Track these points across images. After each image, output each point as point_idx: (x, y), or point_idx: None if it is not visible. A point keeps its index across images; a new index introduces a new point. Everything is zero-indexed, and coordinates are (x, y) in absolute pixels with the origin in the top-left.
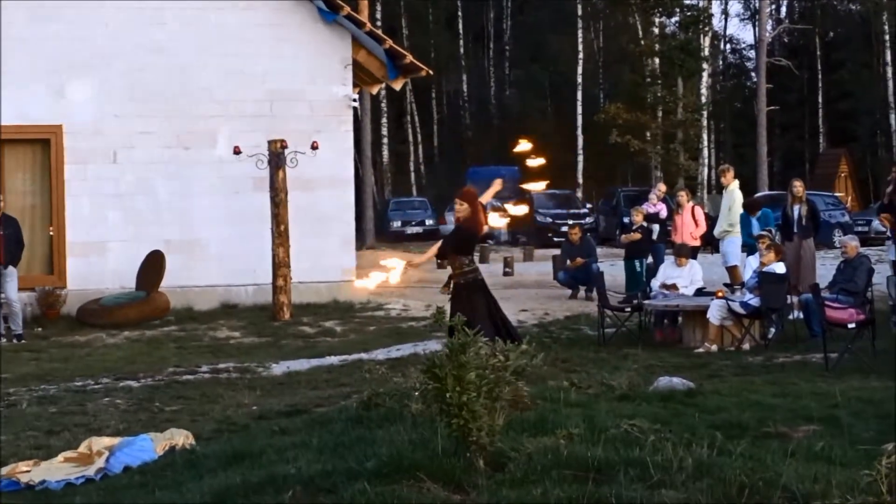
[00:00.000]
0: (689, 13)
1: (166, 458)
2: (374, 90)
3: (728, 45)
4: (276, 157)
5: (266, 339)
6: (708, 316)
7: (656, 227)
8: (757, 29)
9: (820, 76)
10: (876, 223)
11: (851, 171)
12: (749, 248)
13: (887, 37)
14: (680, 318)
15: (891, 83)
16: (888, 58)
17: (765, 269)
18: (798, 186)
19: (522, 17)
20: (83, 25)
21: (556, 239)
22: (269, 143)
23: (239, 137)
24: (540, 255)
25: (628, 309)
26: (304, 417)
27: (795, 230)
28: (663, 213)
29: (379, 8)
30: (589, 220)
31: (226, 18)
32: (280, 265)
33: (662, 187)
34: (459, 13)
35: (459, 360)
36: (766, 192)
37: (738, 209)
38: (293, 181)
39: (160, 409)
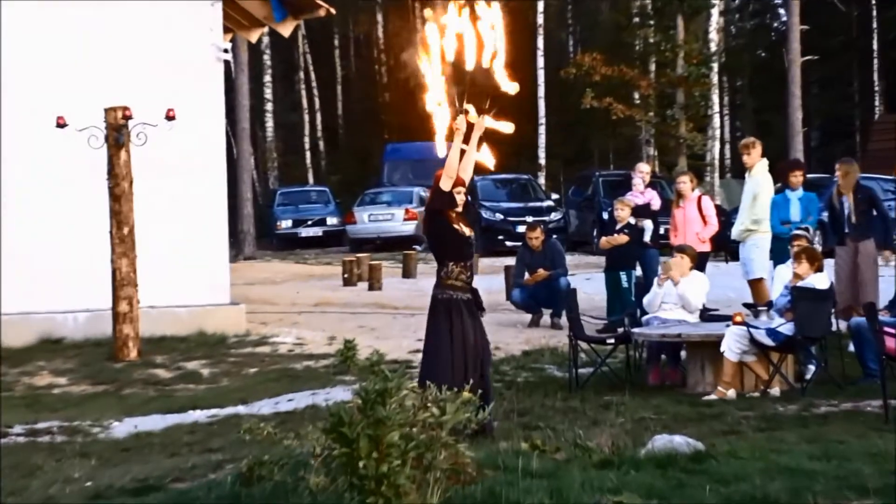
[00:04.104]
0: None
1: None
2: (254, 37)
3: None
4: (117, 131)
5: (104, 386)
6: (722, 349)
7: (648, 225)
8: None
9: (874, 13)
10: None
11: None
12: (781, 247)
13: None
14: (683, 353)
15: None
16: None
17: (800, 283)
18: (847, 168)
19: None
20: None
21: (509, 244)
22: (106, 111)
23: (63, 104)
24: (487, 265)
25: (611, 341)
26: (157, 497)
27: (847, 230)
28: (655, 205)
29: None
30: (555, 216)
31: None
32: (123, 283)
33: (645, 168)
34: None
35: (377, 414)
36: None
37: (767, 200)
38: (141, 165)
39: None
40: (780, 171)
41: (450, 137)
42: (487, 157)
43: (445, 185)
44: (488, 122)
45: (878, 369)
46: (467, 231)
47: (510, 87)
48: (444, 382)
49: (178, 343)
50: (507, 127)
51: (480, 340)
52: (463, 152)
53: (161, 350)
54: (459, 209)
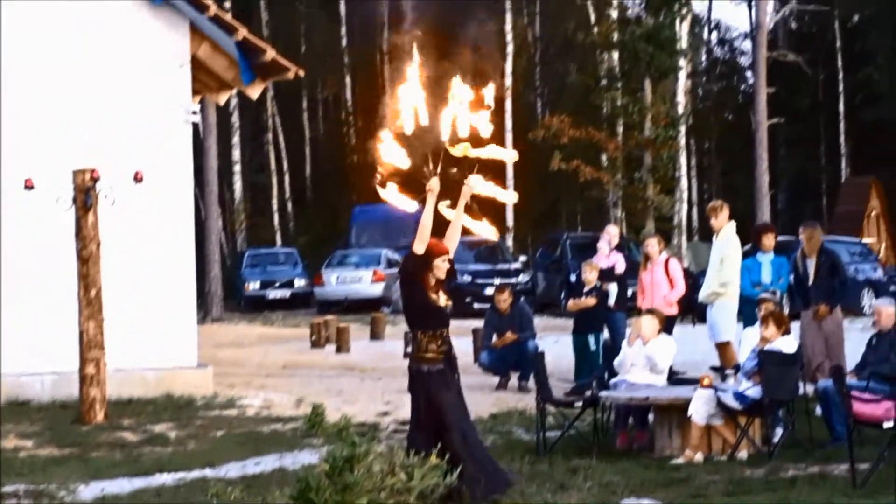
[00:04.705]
0: None
1: None
2: (222, 99)
3: (714, 34)
4: (84, 193)
5: (70, 449)
6: (690, 413)
7: (613, 289)
8: (754, 11)
9: (841, 76)
10: None
11: (885, 207)
12: (749, 310)
13: None
14: (651, 417)
15: None
16: None
17: (767, 346)
18: (811, 232)
19: None
20: None
21: (476, 306)
22: (74, 173)
23: (31, 166)
24: (455, 327)
25: (579, 404)
26: None
27: (811, 293)
28: (620, 268)
29: None
30: (523, 278)
31: None
32: (90, 346)
33: (613, 230)
34: None
35: (344, 479)
36: None
37: (734, 263)
38: (109, 227)
39: None
40: (753, 233)
41: (422, 199)
42: (487, 229)
43: (418, 248)
44: (484, 188)
45: (846, 433)
46: (443, 300)
47: (508, 156)
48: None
49: (145, 405)
50: (507, 196)
51: (452, 411)
52: (444, 219)
53: (128, 413)
54: (441, 277)
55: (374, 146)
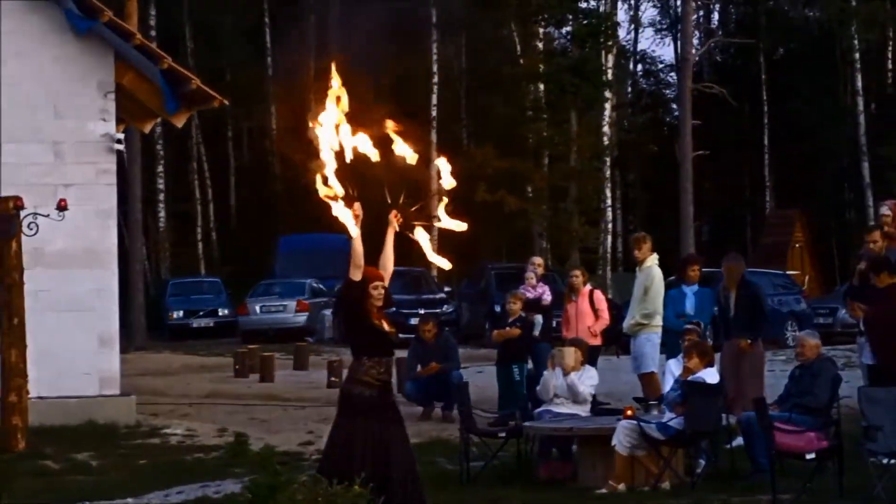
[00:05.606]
0: (585, 21)
1: None
2: (147, 127)
3: (640, 66)
4: (7, 221)
5: None
6: (613, 443)
7: (539, 319)
8: (679, 44)
9: (766, 108)
10: (843, 313)
11: (809, 239)
12: (673, 341)
13: (857, 54)
14: (574, 447)
15: (862, 118)
16: (858, 84)
17: (691, 377)
18: (730, 265)
19: (354, 24)
20: None
21: (401, 336)
22: None
23: None
24: None
25: (502, 434)
26: None
27: (731, 325)
28: (547, 299)
29: (153, 13)
30: (447, 308)
31: None
32: (13, 374)
33: (538, 261)
34: (266, 19)
35: None
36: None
37: (657, 294)
38: (31, 255)
39: None
40: (678, 265)
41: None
42: (441, 261)
43: (354, 274)
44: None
45: (769, 464)
46: (387, 327)
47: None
48: (338, 477)
49: (66, 434)
50: (457, 225)
51: (383, 439)
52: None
53: (50, 441)
54: (379, 304)
55: (309, 175)
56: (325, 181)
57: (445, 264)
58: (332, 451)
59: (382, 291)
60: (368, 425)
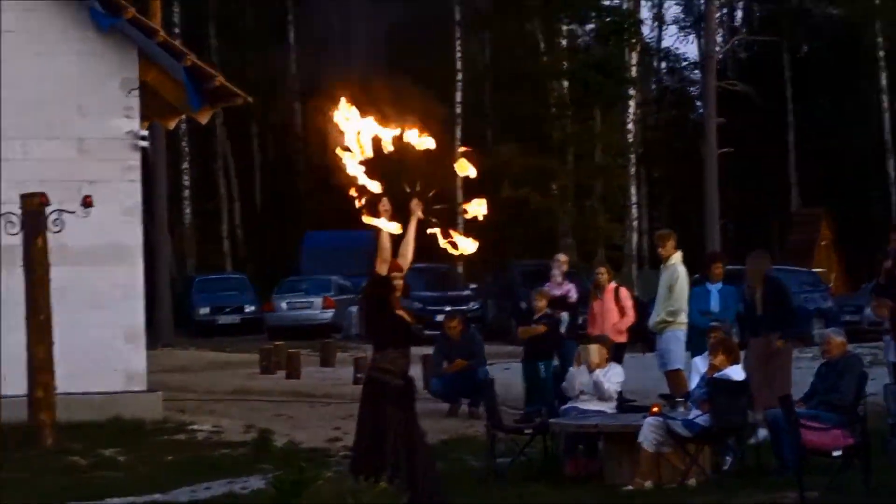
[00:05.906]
0: (608, 19)
1: None
2: (172, 124)
3: (664, 64)
4: (34, 217)
5: (19, 475)
6: (639, 440)
7: (565, 317)
8: (703, 41)
9: (790, 106)
10: (868, 311)
11: (835, 237)
12: (699, 338)
13: (882, 52)
14: (600, 444)
15: (887, 116)
16: (883, 81)
17: (716, 374)
18: (754, 262)
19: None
20: None
21: (427, 332)
22: (23, 197)
23: None
24: None
25: (529, 431)
26: None
27: (759, 323)
28: (573, 296)
29: (177, 10)
30: (473, 306)
31: None
32: (39, 370)
33: (563, 258)
34: (290, 16)
35: None
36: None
37: (683, 291)
38: (57, 252)
39: None
40: (703, 263)
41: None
42: (468, 244)
43: (381, 269)
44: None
45: (795, 462)
46: (408, 318)
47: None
48: (365, 469)
49: (94, 430)
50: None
51: (408, 429)
52: (397, 237)
53: (77, 437)
54: (398, 294)
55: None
56: (362, 191)
57: (472, 246)
58: (362, 443)
59: (401, 282)
60: (396, 414)
